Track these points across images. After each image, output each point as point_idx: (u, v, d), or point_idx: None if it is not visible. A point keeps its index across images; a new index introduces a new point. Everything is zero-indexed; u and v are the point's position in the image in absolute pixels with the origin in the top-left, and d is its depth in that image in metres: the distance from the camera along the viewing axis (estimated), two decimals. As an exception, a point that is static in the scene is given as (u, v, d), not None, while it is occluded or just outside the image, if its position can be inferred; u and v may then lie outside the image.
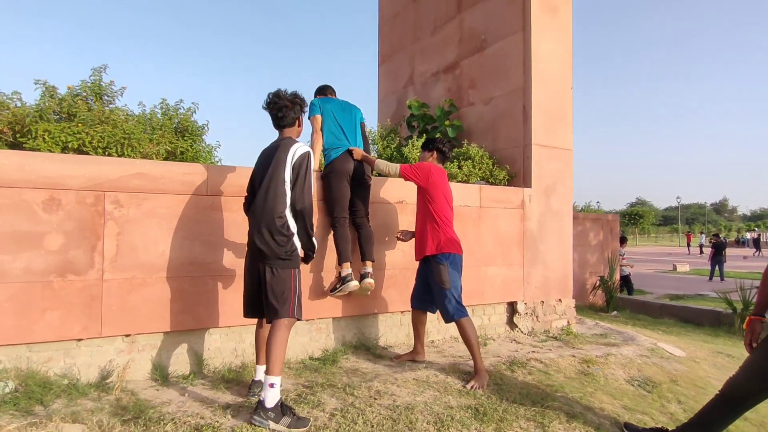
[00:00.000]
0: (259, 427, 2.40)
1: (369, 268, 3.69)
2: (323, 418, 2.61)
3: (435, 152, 3.71)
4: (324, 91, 4.07)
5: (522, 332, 4.90)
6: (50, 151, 3.21)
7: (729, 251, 20.33)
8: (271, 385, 2.43)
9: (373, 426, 2.56)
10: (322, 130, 3.76)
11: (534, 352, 4.21)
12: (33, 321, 2.78)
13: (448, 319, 3.41)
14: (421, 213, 3.61)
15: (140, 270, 3.08)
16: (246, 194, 2.92)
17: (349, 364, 3.58)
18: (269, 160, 2.68)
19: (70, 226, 2.89)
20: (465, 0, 6.18)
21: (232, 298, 3.27)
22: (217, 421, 2.48)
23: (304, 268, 3.45)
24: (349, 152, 3.70)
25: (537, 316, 5.04)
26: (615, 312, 8.54)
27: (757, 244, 34.81)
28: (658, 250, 39.53)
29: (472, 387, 3.18)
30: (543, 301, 5.10)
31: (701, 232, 43.90)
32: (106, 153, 3.34)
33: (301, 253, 2.75)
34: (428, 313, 3.79)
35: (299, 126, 2.85)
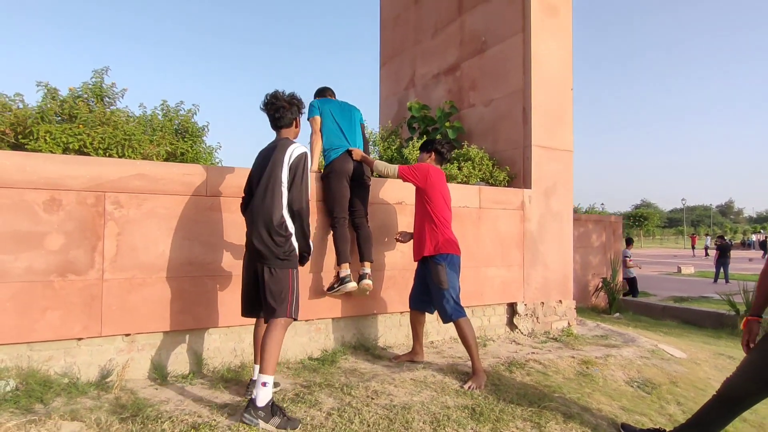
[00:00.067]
0: (249, 425, 2.41)
1: (367, 269, 3.70)
2: (320, 418, 2.62)
3: (433, 153, 3.73)
4: (323, 92, 4.10)
5: (522, 333, 4.90)
6: (51, 152, 3.24)
7: (735, 253, 20.22)
8: (264, 384, 2.45)
9: (369, 425, 2.57)
10: (321, 131, 3.78)
11: (533, 353, 4.21)
12: (34, 320, 2.81)
13: (446, 319, 3.42)
14: (419, 214, 3.62)
15: (140, 270, 3.10)
16: (243, 195, 2.94)
17: (348, 365, 3.59)
18: (266, 160, 2.70)
19: (70, 227, 2.92)
20: (466, 2, 6.20)
21: (231, 298, 3.29)
22: (214, 420, 2.50)
23: (304, 269, 3.47)
24: (349, 153, 3.72)
25: (537, 318, 5.04)
26: (617, 314, 8.52)
27: (764, 246, 34.52)
28: (663, 252, 39.33)
29: (469, 387, 3.19)
30: (543, 303, 5.10)
31: (706, 234, 43.67)
32: (107, 154, 3.38)
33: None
34: (427, 314, 3.80)
35: (297, 127, 2.88)
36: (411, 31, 7.40)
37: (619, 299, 9.06)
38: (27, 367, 2.82)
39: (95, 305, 2.97)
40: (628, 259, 11.01)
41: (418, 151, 3.95)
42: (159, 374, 3.12)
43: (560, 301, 5.23)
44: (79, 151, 3.33)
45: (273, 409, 2.46)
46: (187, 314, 3.23)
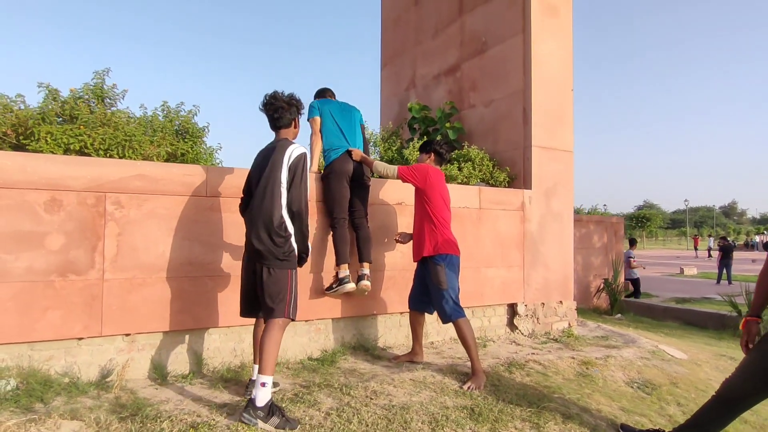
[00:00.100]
0: (248, 425, 2.42)
1: (366, 269, 3.71)
2: (318, 417, 2.62)
3: (432, 154, 3.73)
4: (323, 93, 4.11)
5: (522, 334, 4.90)
6: (52, 152, 3.26)
7: (738, 254, 20.15)
8: (263, 384, 2.45)
9: (367, 425, 2.58)
10: (321, 131, 3.79)
11: (533, 353, 4.21)
12: (35, 320, 2.82)
13: (445, 319, 3.42)
14: (418, 214, 3.63)
15: (140, 270, 3.11)
16: (242, 195, 2.95)
17: (348, 365, 3.60)
18: (266, 161, 2.71)
19: (71, 227, 2.94)
20: (466, 3, 6.21)
21: (231, 298, 3.30)
22: (213, 419, 2.51)
23: (304, 269, 3.48)
24: (349, 153, 3.73)
25: (537, 318, 5.03)
26: (619, 315, 8.50)
27: (767, 247, 34.37)
28: (666, 253, 39.21)
29: (468, 388, 3.19)
30: (543, 303, 5.09)
31: (709, 235, 43.53)
32: (108, 155, 3.39)
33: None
34: (427, 315, 3.81)
35: (296, 127, 2.88)
36: (412, 32, 7.41)
37: (621, 300, 9.03)
38: (28, 366, 2.83)
39: (96, 305, 2.98)
40: (632, 259, 10.97)
41: (418, 152, 3.96)
42: (159, 374, 3.14)
43: (561, 301, 5.23)
44: (80, 152, 3.34)
45: (272, 409, 2.46)
46: (186, 314, 3.24)
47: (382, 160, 5.58)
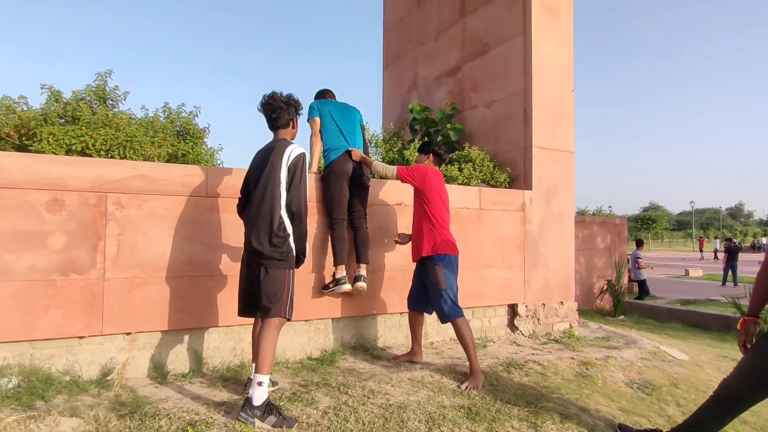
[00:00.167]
0: (245, 423, 2.44)
1: (363, 270, 3.72)
2: (316, 416, 2.64)
3: (431, 155, 3.75)
4: (323, 94, 4.13)
5: (523, 335, 4.89)
6: (54, 153, 3.30)
7: (744, 256, 20.01)
8: (259, 384, 2.47)
9: (364, 424, 2.59)
10: (321, 132, 3.81)
11: (533, 354, 4.20)
12: (36, 318, 2.85)
13: (443, 319, 3.43)
14: (417, 215, 3.64)
15: (141, 269, 3.14)
16: (240, 195, 2.97)
17: (347, 365, 3.61)
18: (265, 161, 2.73)
19: (72, 226, 2.97)
20: (468, 4, 6.22)
21: (231, 297, 3.32)
22: (211, 417, 2.53)
23: (305, 268, 3.50)
24: (348, 153, 3.75)
25: (538, 319, 5.03)
26: (622, 316, 8.46)
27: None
28: (672, 255, 38.98)
29: (466, 387, 3.19)
30: (544, 304, 5.09)
31: (716, 237, 43.23)
32: (109, 155, 3.43)
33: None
34: (427, 315, 3.81)
35: (294, 128, 2.90)
36: (414, 33, 7.44)
37: (624, 302, 8.98)
38: (29, 364, 2.86)
39: (96, 304, 3.01)
40: (639, 260, 10.89)
41: (417, 154, 3.97)
42: (159, 373, 3.16)
43: (562, 302, 5.22)
44: (82, 153, 3.38)
45: (269, 407, 2.48)
46: (186, 313, 3.27)
47: (383, 161, 5.60)
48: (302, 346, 3.77)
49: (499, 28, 5.62)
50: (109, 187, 3.07)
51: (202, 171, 3.38)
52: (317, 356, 3.74)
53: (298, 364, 3.57)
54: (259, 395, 2.46)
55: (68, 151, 3.35)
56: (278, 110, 2.78)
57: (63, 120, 3.57)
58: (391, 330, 4.25)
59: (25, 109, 3.50)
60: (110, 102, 3.84)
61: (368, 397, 2.93)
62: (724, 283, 15.18)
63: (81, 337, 3.01)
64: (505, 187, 5.14)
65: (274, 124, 2.83)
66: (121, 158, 3.50)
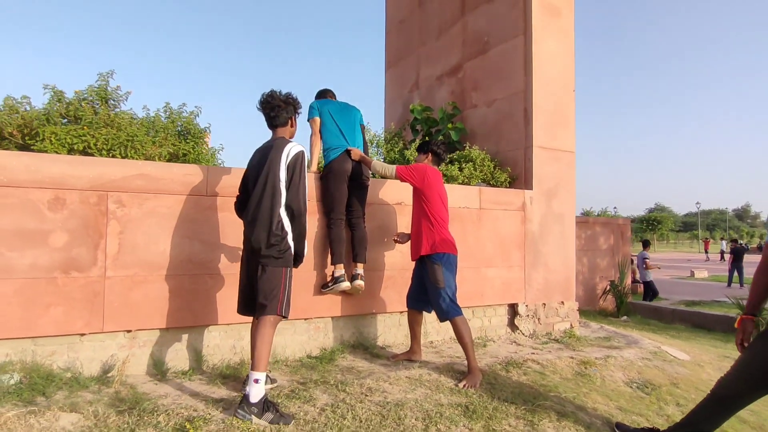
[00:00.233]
0: (242, 420, 2.45)
1: (360, 270, 3.74)
2: (313, 413, 2.65)
3: (430, 154, 3.76)
4: (324, 94, 4.15)
5: (523, 334, 4.89)
6: (56, 152, 3.34)
7: (750, 257, 19.84)
8: (256, 381, 2.49)
9: (361, 421, 2.60)
10: (321, 131, 3.83)
11: (532, 353, 4.20)
12: (38, 315, 2.89)
13: (442, 317, 3.44)
14: (416, 214, 3.65)
15: (141, 268, 3.17)
16: (238, 193, 2.98)
17: (346, 363, 3.62)
18: (263, 160, 2.74)
19: (74, 225, 3.00)
20: (468, 2, 6.23)
21: (230, 296, 3.34)
22: (209, 414, 2.55)
23: (305, 267, 3.51)
24: (348, 153, 3.76)
25: (539, 319, 5.02)
26: (625, 317, 8.44)
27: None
28: (677, 256, 38.76)
29: (464, 386, 3.20)
30: (545, 304, 5.08)
31: (722, 238, 42.92)
32: (110, 155, 3.46)
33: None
34: (425, 314, 3.82)
35: (292, 126, 2.92)
36: (415, 34, 7.46)
37: (627, 302, 8.95)
38: (31, 361, 2.90)
39: (97, 302, 3.04)
40: (647, 260, 10.83)
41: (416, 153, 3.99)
42: (159, 370, 3.19)
43: (562, 302, 5.21)
44: (84, 152, 3.42)
45: (266, 404, 2.50)
46: (186, 311, 3.29)
47: (384, 161, 5.61)
48: (302, 344, 3.79)
49: (500, 27, 5.63)
50: (110, 186, 3.10)
51: (202, 170, 3.41)
52: (317, 354, 3.75)
53: (298, 362, 3.59)
54: (256, 392, 2.48)
55: (70, 151, 3.39)
56: (277, 109, 2.80)
57: (65, 120, 3.61)
58: (391, 329, 4.26)
59: (28, 108, 3.55)
60: (112, 102, 3.88)
61: (366, 395, 2.94)
62: (729, 285, 15.10)
63: (82, 335, 3.04)
64: (506, 187, 5.14)
65: (272, 123, 2.85)
66: (123, 158, 3.53)
